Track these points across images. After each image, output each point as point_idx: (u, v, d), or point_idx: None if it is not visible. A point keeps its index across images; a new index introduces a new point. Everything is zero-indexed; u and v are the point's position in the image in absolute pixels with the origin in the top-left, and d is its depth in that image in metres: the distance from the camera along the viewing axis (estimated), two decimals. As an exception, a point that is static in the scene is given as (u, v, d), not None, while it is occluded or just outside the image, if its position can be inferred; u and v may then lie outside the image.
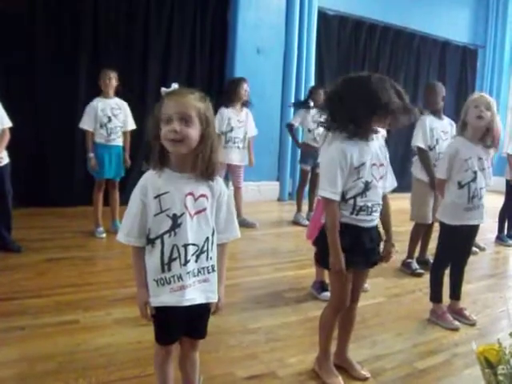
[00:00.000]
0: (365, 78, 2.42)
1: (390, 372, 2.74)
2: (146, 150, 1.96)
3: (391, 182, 2.62)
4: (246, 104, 5.86)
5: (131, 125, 5.20)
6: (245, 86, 5.76)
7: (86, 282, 3.85)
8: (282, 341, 3.05)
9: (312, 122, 6.00)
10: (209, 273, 1.98)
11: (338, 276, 2.48)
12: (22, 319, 3.11)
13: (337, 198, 2.39)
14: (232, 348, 2.91)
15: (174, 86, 1.93)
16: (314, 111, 5.99)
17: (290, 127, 6.33)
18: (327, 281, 3.67)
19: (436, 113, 4.51)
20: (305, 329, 3.20)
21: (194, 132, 1.83)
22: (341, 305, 2.57)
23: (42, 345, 2.81)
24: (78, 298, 3.49)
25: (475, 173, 3.27)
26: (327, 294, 3.62)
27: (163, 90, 1.92)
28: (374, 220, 2.52)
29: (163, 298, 1.92)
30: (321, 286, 3.75)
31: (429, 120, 4.46)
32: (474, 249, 5.00)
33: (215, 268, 2.00)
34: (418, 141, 4.43)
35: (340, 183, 2.39)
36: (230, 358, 2.80)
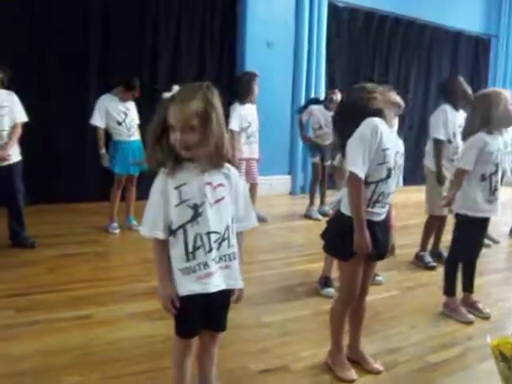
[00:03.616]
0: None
1: (402, 365, 2.74)
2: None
3: (399, 180, 2.65)
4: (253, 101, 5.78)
5: (137, 120, 5.22)
6: (256, 81, 5.68)
7: (100, 277, 3.88)
8: (294, 335, 3.05)
9: (323, 119, 6.05)
10: (230, 260, 2.01)
11: (347, 266, 2.50)
12: (37, 314, 3.14)
13: (362, 175, 2.38)
14: (245, 342, 2.92)
15: (175, 88, 1.94)
16: (324, 111, 6.05)
17: (300, 121, 6.37)
18: (332, 277, 3.70)
19: (454, 106, 4.47)
20: (317, 322, 3.20)
21: (196, 137, 1.87)
22: (351, 297, 2.57)
23: (57, 339, 2.84)
24: (92, 293, 3.52)
25: (497, 165, 3.26)
26: (330, 291, 3.64)
27: (165, 95, 1.92)
28: (385, 213, 2.53)
29: (190, 286, 1.93)
30: (324, 282, 3.74)
31: (449, 111, 4.42)
32: (488, 242, 4.98)
33: (236, 255, 2.03)
34: (439, 133, 4.36)
35: (367, 161, 2.38)
36: (244, 351, 2.81)
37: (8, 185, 4.29)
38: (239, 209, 2.05)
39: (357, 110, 2.48)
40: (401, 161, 2.52)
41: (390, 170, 2.44)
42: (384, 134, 2.40)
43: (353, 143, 2.44)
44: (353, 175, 2.39)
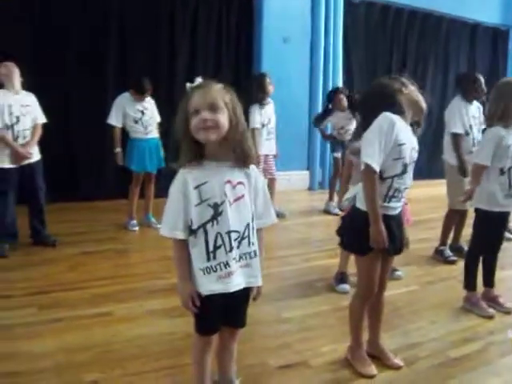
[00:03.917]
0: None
1: (423, 361, 2.72)
2: (173, 148, 1.97)
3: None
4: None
5: (157, 117, 5.25)
6: (268, 80, 5.69)
7: (120, 274, 3.92)
8: (314, 330, 3.05)
9: (343, 121, 6.02)
10: (251, 258, 2.01)
11: (364, 261, 2.50)
12: (59, 311, 3.18)
13: (376, 167, 2.37)
14: (265, 338, 2.93)
15: (198, 79, 1.95)
16: (340, 114, 6.01)
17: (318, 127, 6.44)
18: (349, 273, 3.69)
19: (468, 100, 4.44)
20: (337, 318, 3.19)
21: (223, 118, 1.86)
22: (368, 292, 2.57)
23: (78, 336, 2.87)
24: (112, 291, 3.55)
25: None
26: (344, 287, 3.64)
27: (188, 85, 1.94)
28: (400, 207, 2.53)
29: (211, 286, 1.94)
30: (340, 278, 3.73)
31: (463, 105, 4.40)
32: (509, 235, 4.92)
33: (257, 253, 2.03)
34: (456, 127, 4.35)
35: (382, 154, 2.38)
36: (263, 347, 2.82)
37: (30, 183, 4.36)
38: (258, 205, 2.05)
39: (382, 99, 2.48)
40: (415, 157, 2.51)
41: (405, 166, 2.43)
42: (400, 129, 2.40)
43: (369, 136, 2.44)
44: (367, 167, 2.39)
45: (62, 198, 5.76)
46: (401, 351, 2.78)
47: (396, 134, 2.38)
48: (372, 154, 2.38)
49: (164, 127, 5.13)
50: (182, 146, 1.90)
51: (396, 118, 2.41)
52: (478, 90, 4.44)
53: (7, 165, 4.17)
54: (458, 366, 2.69)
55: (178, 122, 1.90)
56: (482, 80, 4.48)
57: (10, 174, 4.20)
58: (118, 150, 5.07)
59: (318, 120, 6.35)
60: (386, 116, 2.40)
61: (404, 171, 2.43)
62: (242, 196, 1.97)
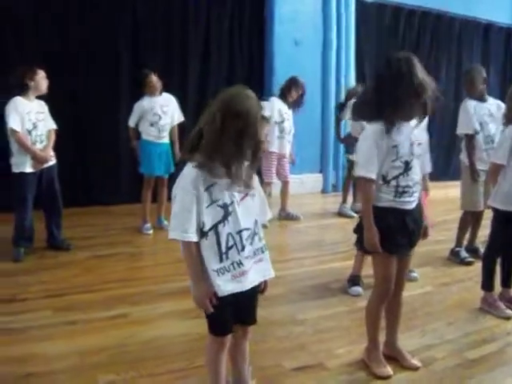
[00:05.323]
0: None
1: (440, 362, 2.69)
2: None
3: (426, 166, 2.64)
4: (295, 105, 5.86)
5: (179, 118, 5.25)
6: (299, 85, 5.77)
7: (134, 277, 3.92)
8: (329, 332, 3.03)
9: None
10: (262, 252, 2.06)
11: (380, 259, 2.50)
12: (73, 314, 3.19)
13: (372, 176, 2.40)
14: (280, 339, 2.91)
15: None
16: None
17: (338, 120, 6.41)
18: (363, 275, 3.68)
19: (477, 97, 4.38)
20: (352, 319, 3.17)
21: None
22: (385, 292, 2.55)
23: (93, 338, 2.87)
24: (126, 293, 3.56)
25: None
26: (357, 289, 3.62)
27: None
28: (416, 201, 2.51)
29: (227, 286, 1.95)
30: (352, 280, 3.70)
31: (471, 104, 4.35)
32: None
33: (266, 247, 2.07)
34: (463, 128, 4.35)
35: (376, 161, 2.39)
36: (278, 349, 2.80)
37: (50, 187, 4.41)
38: (257, 202, 2.09)
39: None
40: (420, 150, 2.49)
41: (407, 163, 2.43)
42: (392, 132, 2.38)
43: (359, 146, 2.52)
44: (360, 177, 2.46)
45: (76, 202, 5.77)
46: (418, 352, 2.76)
47: (387, 137, 2.38)
48: (364, 164, 2.43)
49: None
50: (220, 143, 1.87)
51: (380, 125, 2.41)
52: (476, 87, 4.35)
53: (28, 169, 4.24)
54: (475, 367, 2.66)
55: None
56: (479, 75, 4.37)
57: (30, 179, 4.26)
58: (134, 143, 5.19)
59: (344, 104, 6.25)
60: (374, 126, 2.43)
61: (407, 168, 2.43)
62: (247, 194, 2.01)
